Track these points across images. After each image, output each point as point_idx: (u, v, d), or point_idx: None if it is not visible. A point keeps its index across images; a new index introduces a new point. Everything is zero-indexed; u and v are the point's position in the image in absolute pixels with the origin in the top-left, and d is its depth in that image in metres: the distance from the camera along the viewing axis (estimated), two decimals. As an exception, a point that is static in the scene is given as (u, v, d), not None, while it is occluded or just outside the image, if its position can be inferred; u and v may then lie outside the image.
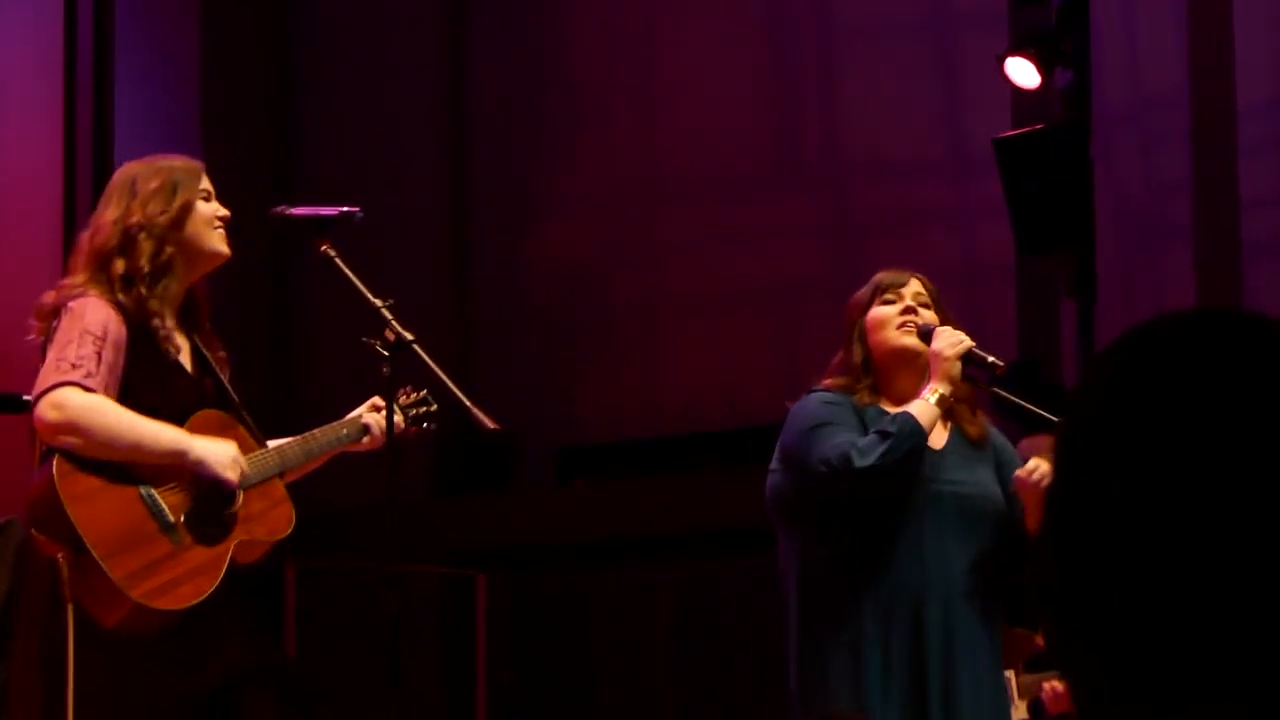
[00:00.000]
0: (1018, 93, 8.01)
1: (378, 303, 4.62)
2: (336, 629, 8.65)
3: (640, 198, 9.35)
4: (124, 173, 4.73)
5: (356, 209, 4.74)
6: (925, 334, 4.70)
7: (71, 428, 4.42)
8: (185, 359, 4.65)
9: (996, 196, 7.87)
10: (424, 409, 5.00)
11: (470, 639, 9.03)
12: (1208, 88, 7.80)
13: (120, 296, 4.54)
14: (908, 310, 4.71)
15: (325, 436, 4.78)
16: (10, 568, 5.00)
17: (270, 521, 4.62)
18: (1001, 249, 8.07)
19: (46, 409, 4.43)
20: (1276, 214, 7.75)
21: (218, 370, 4.69)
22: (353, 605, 8.41)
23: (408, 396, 4.97)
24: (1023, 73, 7.89)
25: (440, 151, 9.72)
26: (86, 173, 8.67)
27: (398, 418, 4.85)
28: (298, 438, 4.74)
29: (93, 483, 4.44)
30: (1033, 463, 4.57)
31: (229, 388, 4.69)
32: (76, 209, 8.53)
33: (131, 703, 4.41)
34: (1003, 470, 4.75)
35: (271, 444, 4.72)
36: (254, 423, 4.70)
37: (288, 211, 4.77)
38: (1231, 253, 7.72)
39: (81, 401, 4.43)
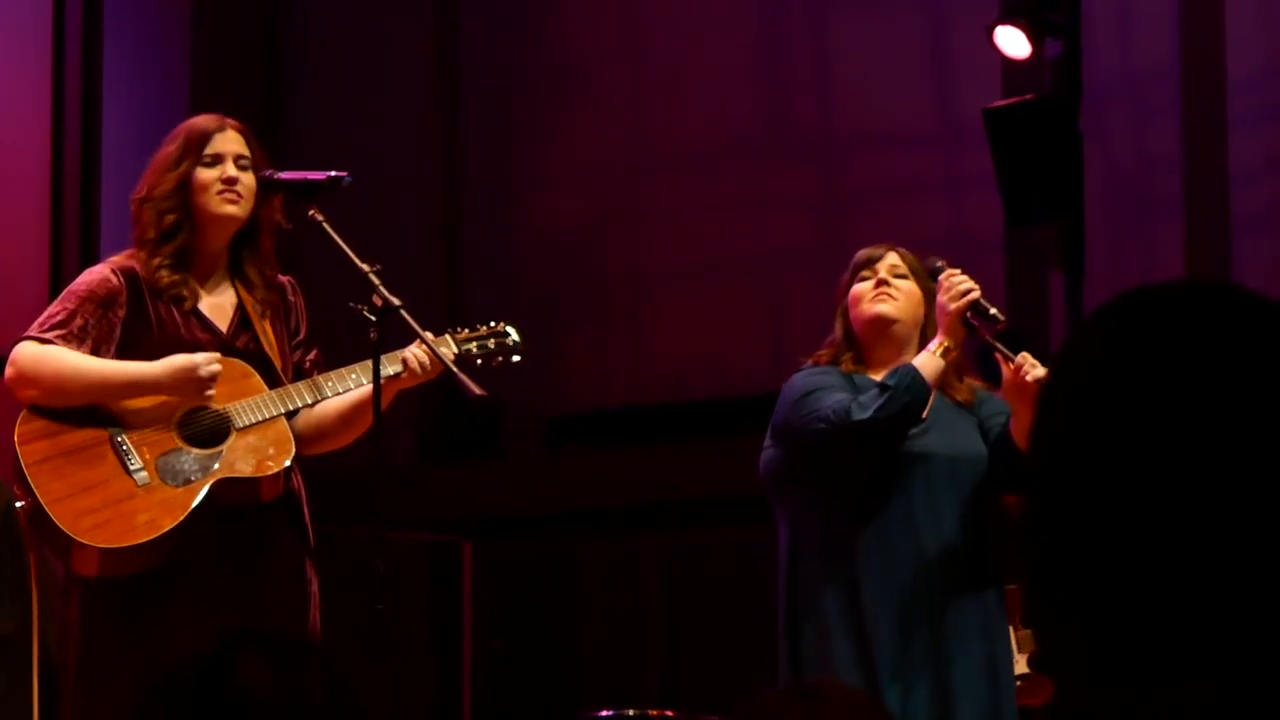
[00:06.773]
0: (1008, 63, 7.99)
1: (365, 268, 4.60)
2: (323, 594, 8.63)
3: (629, 167, 9.33)
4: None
5: (345, 174, 4.72)
6: (933, 272, 4.77)
7: (22, 379, 4.51)
8: (212, 312, 4.67)
9: (986, 167, 7.86)
10: (493, 341, 4.94)
11: (457, 605, 9.04)
12: (1198, 59, 7.79)
13: (133, 261, 4.64)
14: (880, 283, 4.80)
15: (349, 373, 4.70)
16: (2, 529, 5.01)
17: (259, 460, 4.59)
18: (991, 220, 8.06)
19: (7, 367, 4.53)
20: (1266, 187, 7.75)
21: (259, 323, 4.70)
22: (340, 570, 8.40)
23: (473, 330, 4.93)
24: (1013, 42, 7.87)
25: (430, 118, 9.70)
26: (74, 140, 8.62)
27: (446, 349, 4.77)
28: (309, 379, 4.73)
29: (53, 430, 4.49)
30: (1023, 357, 4.61)
31: (262, 340, 4.68)
32: (64, 178, 8.49)
33: (102, 654, 4.43)
34: (984, 408, 4.80)
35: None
36: (283, 375, 4.70)
37: (276, 175, 4.75)
38: (1220, 225, 7.72)
39: (30, 353, 4.51)
